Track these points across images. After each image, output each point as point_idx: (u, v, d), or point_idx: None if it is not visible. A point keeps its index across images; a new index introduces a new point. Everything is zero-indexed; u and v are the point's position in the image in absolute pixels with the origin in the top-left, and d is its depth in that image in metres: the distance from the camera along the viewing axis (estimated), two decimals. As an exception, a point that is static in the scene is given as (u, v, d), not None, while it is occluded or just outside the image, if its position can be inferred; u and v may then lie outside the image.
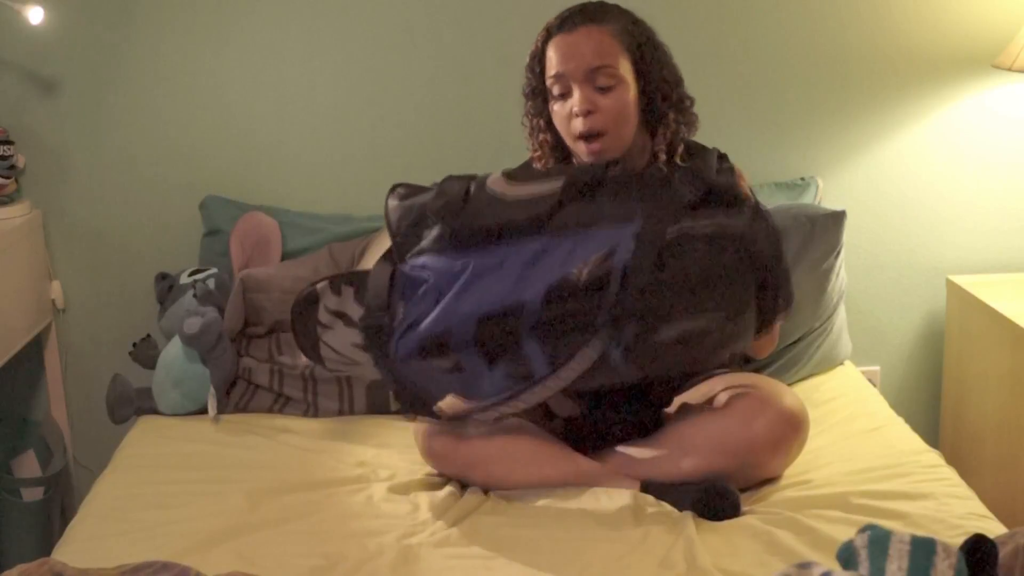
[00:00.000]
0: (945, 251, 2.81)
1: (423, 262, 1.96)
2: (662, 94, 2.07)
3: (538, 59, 2.07)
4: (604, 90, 2.00)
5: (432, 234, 1.97)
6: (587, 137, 2.00)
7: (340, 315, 2.04)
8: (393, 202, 2.07)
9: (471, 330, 1.87)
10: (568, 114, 2.02)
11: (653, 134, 2.10)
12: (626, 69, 2.02)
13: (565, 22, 2.04)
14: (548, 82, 2.04)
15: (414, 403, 2.00)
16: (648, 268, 1.81)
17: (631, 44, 2.03)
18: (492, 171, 2.30)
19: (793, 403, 2.00)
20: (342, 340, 2.05)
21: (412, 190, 2.08)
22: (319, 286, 2.06)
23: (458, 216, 1.93)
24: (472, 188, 1.98)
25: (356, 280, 2.05)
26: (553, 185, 1.94)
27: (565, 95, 2.02)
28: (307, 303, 2.07)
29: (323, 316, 2.06)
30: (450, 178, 2.04)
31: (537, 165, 2.15)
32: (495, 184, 1.98)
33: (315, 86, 2.71)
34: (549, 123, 2.10)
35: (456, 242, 1.93)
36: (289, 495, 2.00)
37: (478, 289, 1.88)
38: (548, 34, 2.05)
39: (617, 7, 2.08)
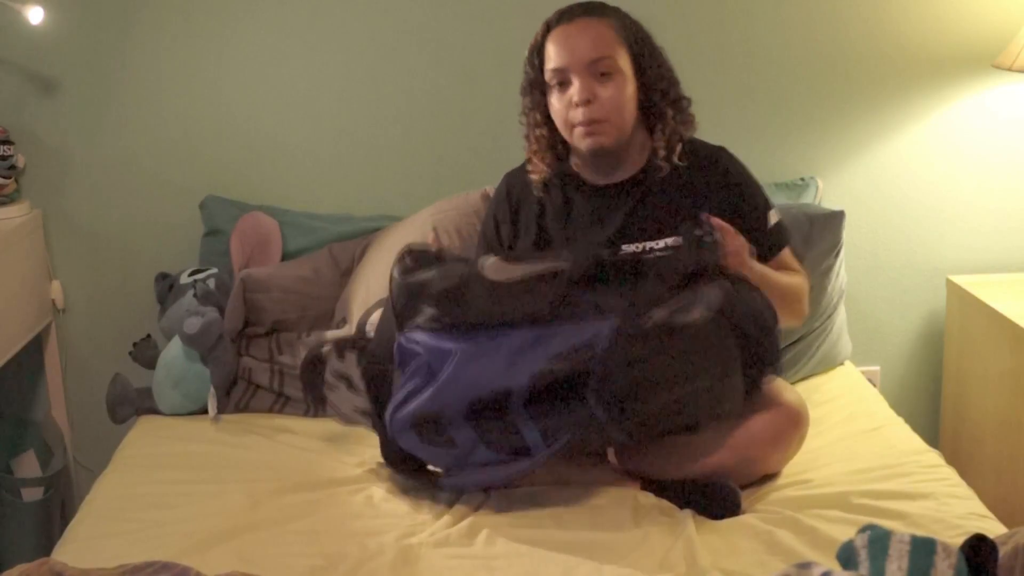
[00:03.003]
0: (945, 251, 2.81)
1: (417, 337, 1.97)
2: (660, 91, 2.07)
3: (537, 52, 2.08)
4: (604, 79, 2.01)
5: (427, 313, 1.98)
6: (585, 125, 2.02)
7: (344, 377, 2.08)
8: (396, 275, 2.05)
9: (463, 409, 1.88)
10: (567, 105, 2.04)
11: (652, 132, 2.10)
12: (625, 62, 2.04)
13: (564, 15, 2.06)
14: (547, 75, 2.06)
15: (400, 462, 2.01)
16: (625, 356, 1.81)
17: (629, 38, 2.05)
18: (491, 179, 2.31)
19: (792, 398, 2.00)
20: (345, 403, 2.10)
21: (417, 260, 2.05)
22: (324, 350, 2.09)
23: (454, 305, 1.93)
24: (469, 275, 1.96)
25: (359, 344, 2.09)
26: (551, 265, 1.94)
27: (564, 85, 2.04)
28: (314, 364, 2.11)
29: (329, 377, 2.10)
30: (450, 259, 2.04)
31: (531, 165, 2.16)
32: (491, 270, 1.96)
33: (315, 86, 2.71)
34: (547, 117, 2.11)
35: (449, 328, 1.94)
36: (289, 495, 2.00)
37: (468, 372, 1.88)
38: (547, 28, 2.07)
39: (614, 7, 2.09)
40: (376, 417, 2.03)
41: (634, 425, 1.86)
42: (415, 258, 2.07)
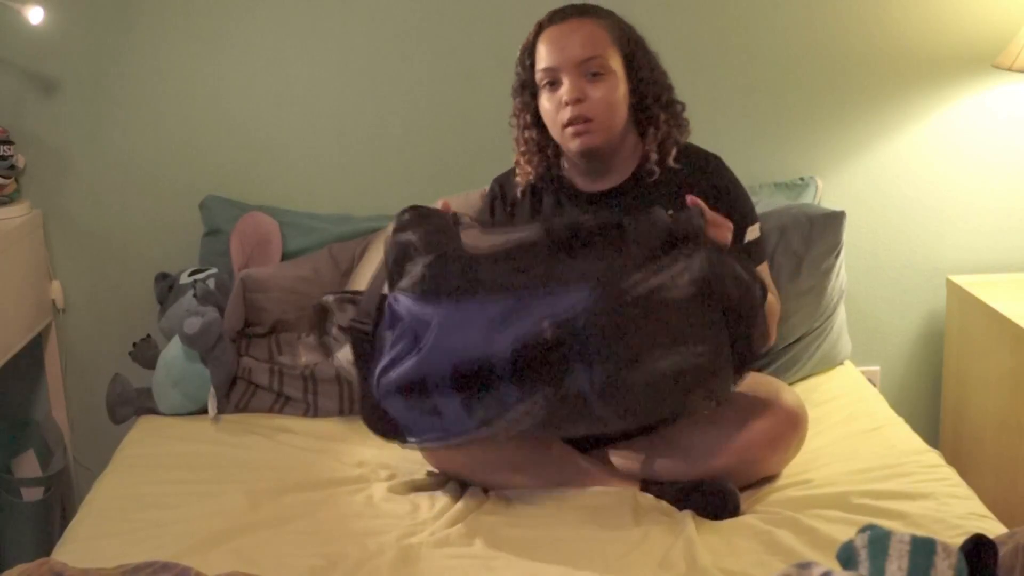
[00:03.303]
0: (945, 251, 2.81)
1: (402, 300, 1.91)
2: (653, 94, 2.06)
3: (528, 52, 2.08)
4: (594, 78, 2.00)
5: (411, 277, 1.91)
6: (575, 124, 2.00)
7: (344, 331, 2.04)
8: (389, 234, 2.00)
9: (448, 377, 1.82)
10: (557, 104, 2.03)
11: (643, 136, 2.09)
12: (616, 63, 2.03)
13: (556, 15, 2.06)
14: (538, 75, 2.05)
15: (381, 424, 1.96)
16: (607, 324, 1.76)
17: (622, 39, 2.04)
18: (491, 179, 2.28)
19: (791, 400, 2.00)
20: (344, 355, 2.05)
21: (416, 217, 1.99)
22: (329, 300, 2.05)
23: (434, 275, 1.88)
24: (448, 246, 1.91)
25: (355, 300, 2.04)
26: (527, 232, 1.89)
27: (555, 85, 2.03)
28: (321, 312, 2.07)
29: (333, 329, 2.06)
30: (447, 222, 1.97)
31: (518, 168, 2.15)
32: (468, 239, 1.92)
33: (315, 86, 2.71)
34: (537, 119, 2.10)
35: (431, 295, 1.88)
36: (289, 495, 2.00)
37: (449, 342, 1.83)
38: (539, 28, 2.07)
39: (608, 9, 2.09)
40: (359, 375, 1.99)
41: (621, 398, 1.78)
42: (413, 215, 2.01)
